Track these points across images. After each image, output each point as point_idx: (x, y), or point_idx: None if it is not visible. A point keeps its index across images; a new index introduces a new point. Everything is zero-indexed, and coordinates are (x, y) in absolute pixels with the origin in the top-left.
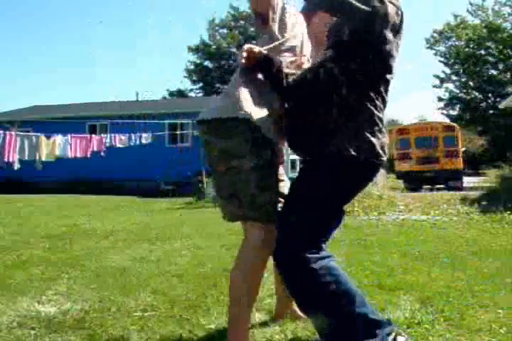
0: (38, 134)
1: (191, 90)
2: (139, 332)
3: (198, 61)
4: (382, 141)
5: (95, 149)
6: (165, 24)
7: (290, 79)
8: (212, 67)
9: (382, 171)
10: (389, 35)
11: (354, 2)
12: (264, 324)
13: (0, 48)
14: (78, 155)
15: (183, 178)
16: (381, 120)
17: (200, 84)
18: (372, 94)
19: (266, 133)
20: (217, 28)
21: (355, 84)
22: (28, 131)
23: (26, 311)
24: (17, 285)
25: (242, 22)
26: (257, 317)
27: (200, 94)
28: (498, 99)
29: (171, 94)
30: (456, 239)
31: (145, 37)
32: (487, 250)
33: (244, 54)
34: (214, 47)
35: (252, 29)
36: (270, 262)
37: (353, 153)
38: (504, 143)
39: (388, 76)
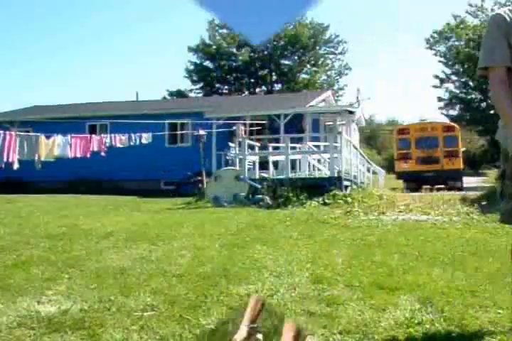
0: (38, 134)
1: (191, 90)
2: (139, 332)
3: (198, 61)
4: None
5: (95, 149)
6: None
7: None
8: (212, 67)
9: (382, 171)
10: None
11: None
12: None
13: None
14: (78, 155)
15: (183, 178)
16: None
17: (201, 84)
18: None
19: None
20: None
21: None
22: (28, 131)
23: (26, 311)
24: (17, 285)
25: None
26: None
27: (200, 94)
28: None
29: (171, 94)
30: (456, 239)
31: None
32: (487, 250)
33: None
34: (214, 47)
35: None
36: None
37: None
38: None
39: None
